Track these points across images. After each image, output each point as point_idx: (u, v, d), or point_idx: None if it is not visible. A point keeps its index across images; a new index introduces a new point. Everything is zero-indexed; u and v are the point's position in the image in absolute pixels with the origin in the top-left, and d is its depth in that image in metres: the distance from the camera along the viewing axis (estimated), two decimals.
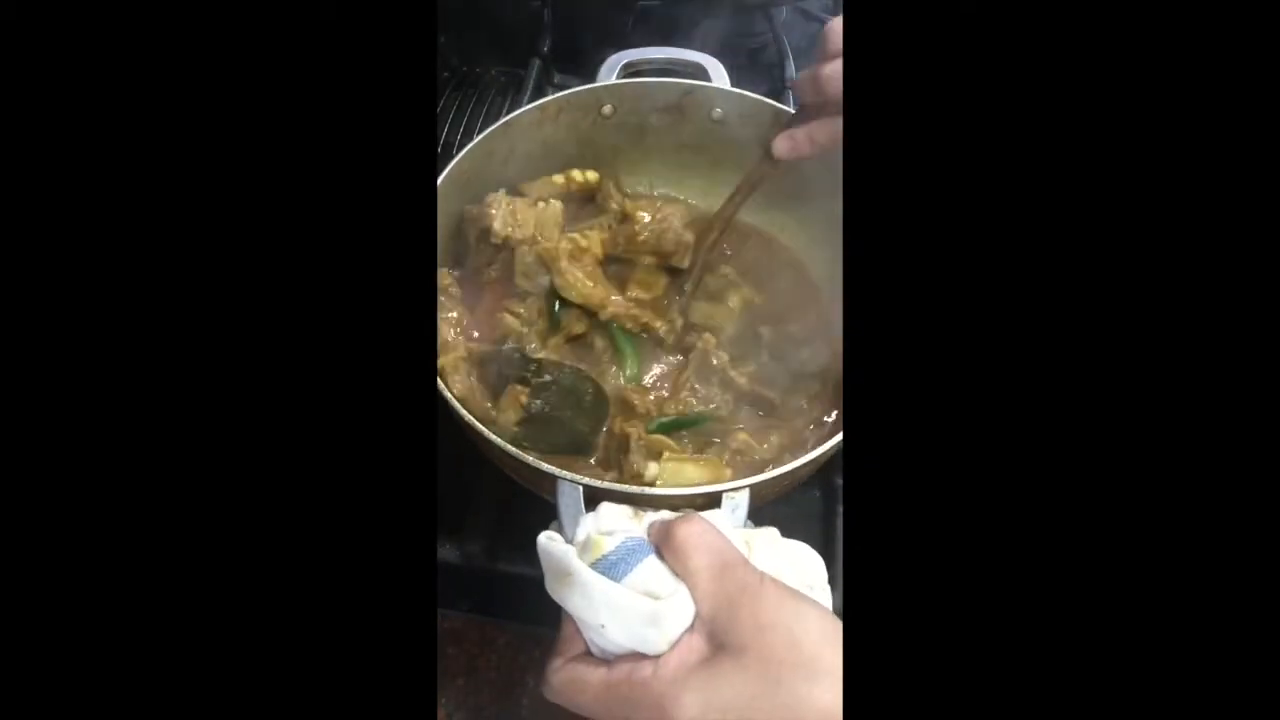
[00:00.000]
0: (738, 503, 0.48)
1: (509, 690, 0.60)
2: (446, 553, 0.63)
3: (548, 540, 0.45)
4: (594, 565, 0.42)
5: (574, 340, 0.66)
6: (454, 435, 0.54)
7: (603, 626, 0.41)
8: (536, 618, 0.61)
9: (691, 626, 0.40)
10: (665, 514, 0.46)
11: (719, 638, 0.38)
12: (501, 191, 0.67)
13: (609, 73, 0.74)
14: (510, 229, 0.65)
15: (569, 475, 0.49)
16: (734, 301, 0.70)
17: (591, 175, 0.75)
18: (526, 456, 0.50)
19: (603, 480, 0.49)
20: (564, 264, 0.64)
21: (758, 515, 0.50)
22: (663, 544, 0.42)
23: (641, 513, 0.46)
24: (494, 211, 0.65)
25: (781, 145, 0.59)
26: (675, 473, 0.56)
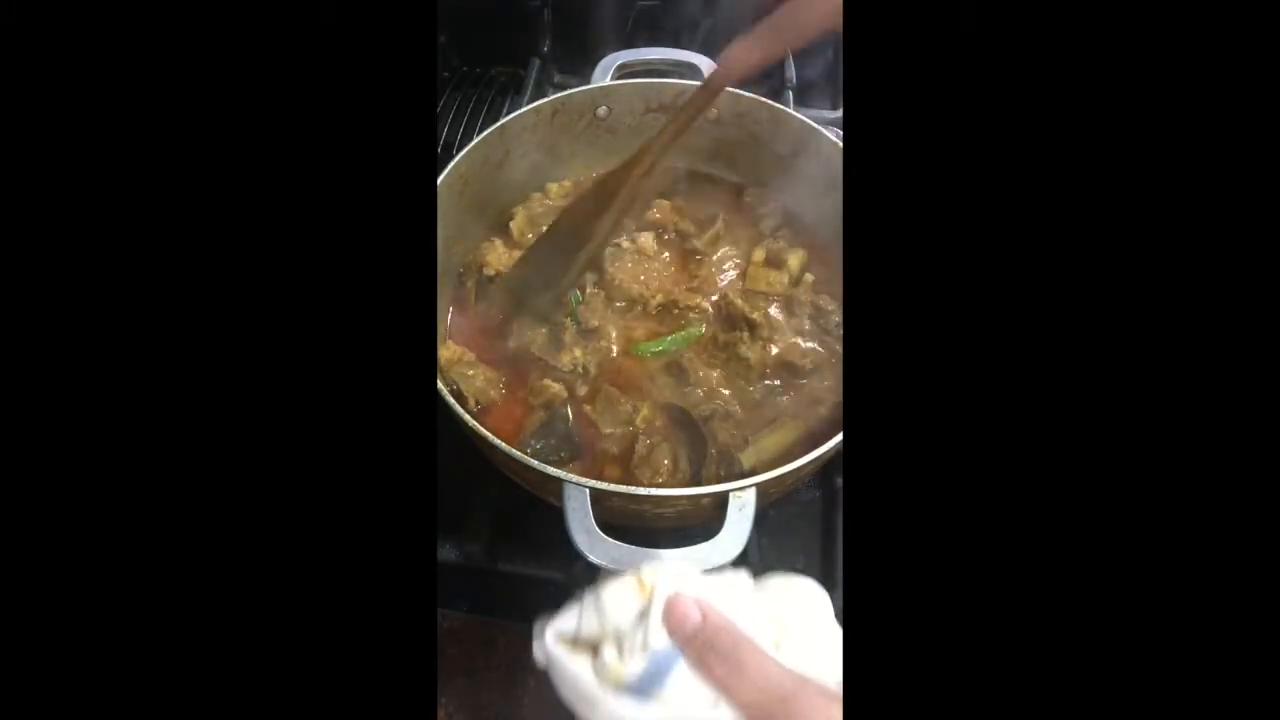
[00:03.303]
0: (745, 501, 0.48)
1: (509, 690, 0.60)
2: (446, 553, 0.63)
3: (560, 650, 0.41)
4: (621, 690, 0.39)
5: (589, 334, 0.67)
6: (454, 436, 0.54)
7: None
8: (536, 618, 0.61)
9: None
10: (674, 582, 0.42)
11: None
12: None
13: (603, 74, 0.74)
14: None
15: (574, 479, 0.49)
16: (793, 264, 0.71)
17: (566, 184, 0.77)
18: (531, 461, 0.50)
19: (604, 483, 0.49)
20: (609, 265, 0.68)
21: (760, 515, 0.50)
22: (697, 665, 0.38)
23: (645, 582, 0.42)
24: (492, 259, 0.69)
25: (730, 54, 0.58)
26: (764, 449, 0.60)
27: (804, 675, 0.37)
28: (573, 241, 0.65)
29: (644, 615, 0.40)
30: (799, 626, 0.41)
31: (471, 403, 0.64)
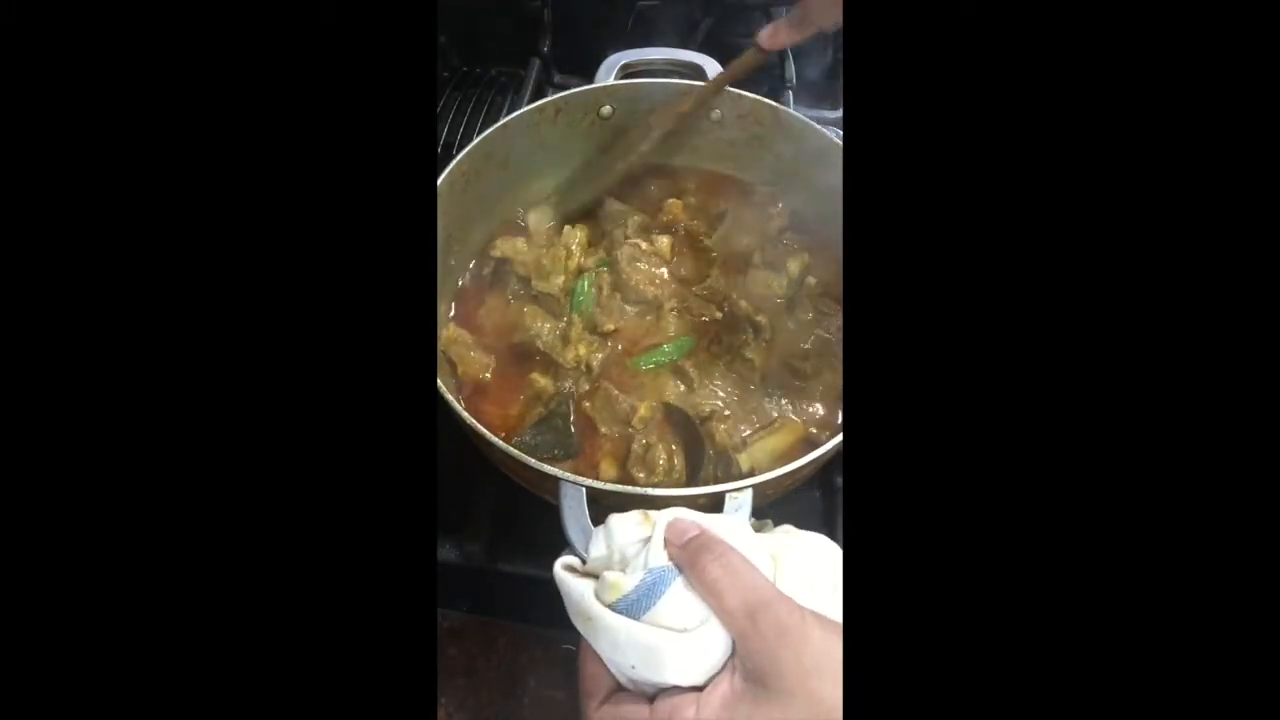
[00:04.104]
0: (740, 502, 0.48)
1: (509, 690, 0.60)
2: (446, 553, 0.63)
3: (567, 574, 0.44)
4: (615, 605, 0.41)
5: (602, 335, 0.67)
6: (454, 436, 0.54)
7: (633, 667, 0.40)
8: (536, 618, 0.62)
9: (729, 665, 0.39)
10: (677, 511, 0.45)
11: (761, 679, 0.37)
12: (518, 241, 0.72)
13: (607, 73, 0.74)
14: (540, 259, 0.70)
15: (570, 477, 0.49)
16: (793, 267, 0.70)
17: None
18: (528, 459, 0.50)
19: (600, 482, 0.49)
20: (626, 266, 0.68)
21: (760, 514, 0.50)
22: (691, 574, 0.41)
23: (650, 514, 0.45)
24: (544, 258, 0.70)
25: (765, 34, 0.66)
26: (763, 450, 0.60)
27: (783, 592, 0.40)
28: (614, 158, 0.74)
29: (647, 541, 0.44)
30: (797, 565, 0.43)
31: (469, 388, 0.64)
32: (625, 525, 0.45)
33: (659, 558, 0.42)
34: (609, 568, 0.44)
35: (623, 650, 0.40)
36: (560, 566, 0.45)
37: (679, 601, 0.41)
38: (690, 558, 0.41)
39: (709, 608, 0.40)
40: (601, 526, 0.46)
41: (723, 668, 0.39)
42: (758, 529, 0.48)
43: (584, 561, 0.46)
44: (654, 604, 0.40)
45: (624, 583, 0.41)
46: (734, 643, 0.39)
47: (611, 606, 0.41)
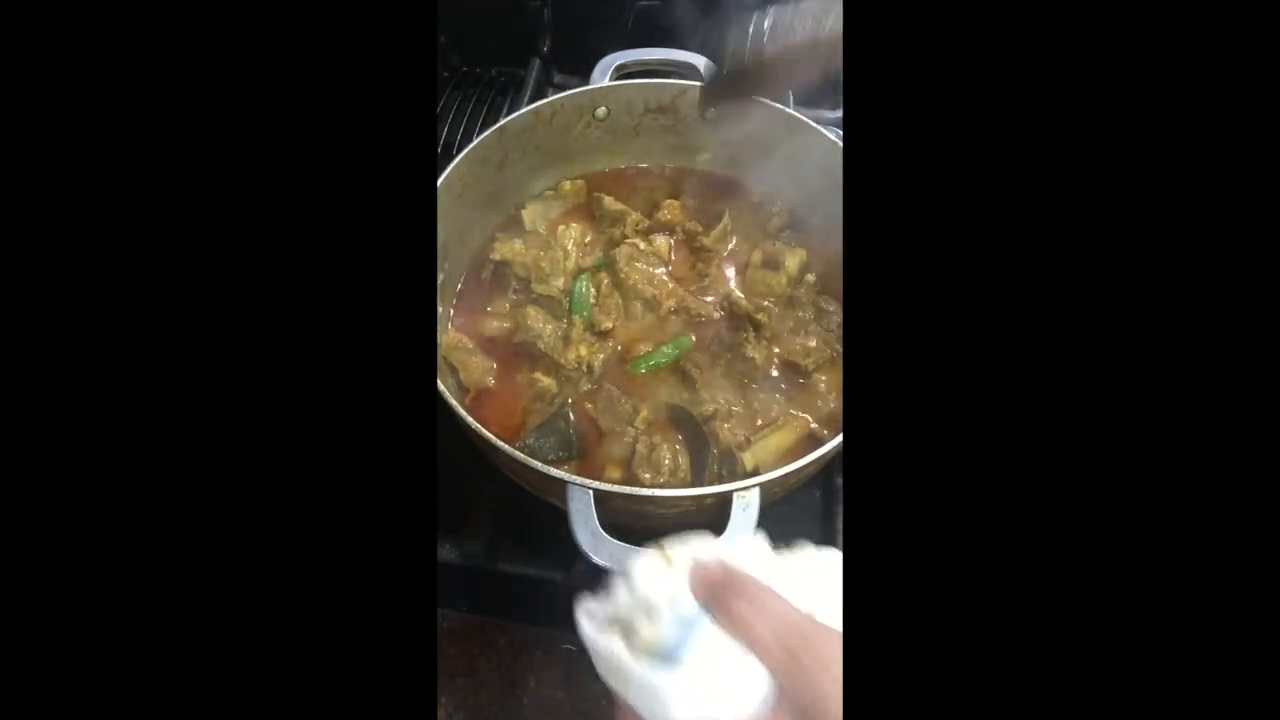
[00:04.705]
0: (749, 500, 0.48)
1: (509, 690, 0.60)
2: (446, 553, 0.63)
3: (594, 633, 0.42)
4: (649, 658, 0.39)
5: (601, 335, 0.67)
6: (454, 436, 0.54)
7: None
8: (536, 618, 0.62)
9: (772, 703, 0.37)
10: (694, 548, 0.43)
11: (809, 714, 0.35)
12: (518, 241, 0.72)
13: (602, 75, 0.74)
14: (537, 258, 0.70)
15: (578, 480, 0.49)
16: (791, 264, 0.70)
17: (579, 182, 0.77)
18: (534, 462, 0.50)
19: (608, 484, 0.49)
20: (624, 266, 0.68)
21: (761, 514, 0.50)
22: (720, 615, 0.39)
23: (671, 555, 0.44)
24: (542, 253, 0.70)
25: None
26: (766, 448, 0.61)
27: (821, 622, 0.38)
28: None
29: (672, 587, 0.42)
30: (816, 588, 0.41)
31: (472, 393, 0.64)
32: (647, 571, 0.43)
33: (685, 603, 0.41)
34: (633, 617, 0.42)
35: (665, 705, 0.39)
36: (584, 620, 0.43)
37: (711, 645, 0.39)
38: (717, 599, 0.40)
39: (744, 644, 0.39)
40: (621, 576, 0.44)
41: (765, 706, 0.38)
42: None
43: (597, 593, 0.45)
44: (688, 651, 0.39)
45: (655, 634, 0.40)
46: (777, 682, 0.37)
47: (645, 659, 0.39)
